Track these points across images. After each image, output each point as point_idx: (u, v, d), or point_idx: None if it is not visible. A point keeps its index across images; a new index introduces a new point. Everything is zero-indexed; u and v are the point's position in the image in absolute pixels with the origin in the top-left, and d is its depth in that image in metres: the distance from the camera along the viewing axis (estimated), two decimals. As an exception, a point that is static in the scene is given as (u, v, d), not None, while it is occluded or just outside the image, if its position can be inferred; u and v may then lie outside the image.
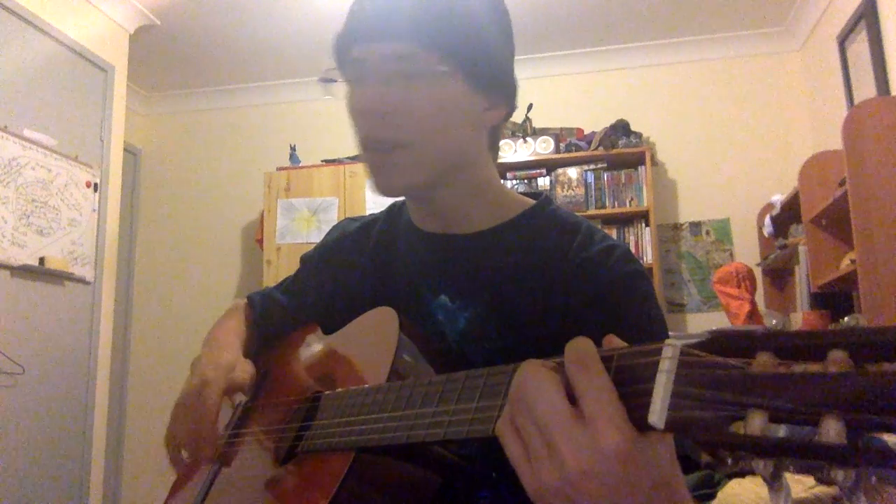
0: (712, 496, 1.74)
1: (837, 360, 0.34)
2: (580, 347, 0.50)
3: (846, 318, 0.35)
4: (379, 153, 0.88)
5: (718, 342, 0.41)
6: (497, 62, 0.94)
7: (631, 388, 0.46)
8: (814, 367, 0.35)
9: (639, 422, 0.45)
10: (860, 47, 3.41)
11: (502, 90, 0.95)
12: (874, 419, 0.32)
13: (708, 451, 0.39)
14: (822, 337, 0.36)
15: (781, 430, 0.35)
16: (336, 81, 0.93)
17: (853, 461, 0.33)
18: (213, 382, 0.96)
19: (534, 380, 0.50)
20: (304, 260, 1.16)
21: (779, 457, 0.35)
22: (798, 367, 0.36)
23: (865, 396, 0.33)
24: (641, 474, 0.46)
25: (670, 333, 0.47)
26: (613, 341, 0.53)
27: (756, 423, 0.36)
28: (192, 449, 0.96)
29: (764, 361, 0.37)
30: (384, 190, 0.91)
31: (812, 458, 0.34)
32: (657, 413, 0.43)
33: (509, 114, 0.98)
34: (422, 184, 0.90)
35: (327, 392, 0.88)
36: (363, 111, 0.87)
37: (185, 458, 1.00)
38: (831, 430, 0.33)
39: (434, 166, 0.89)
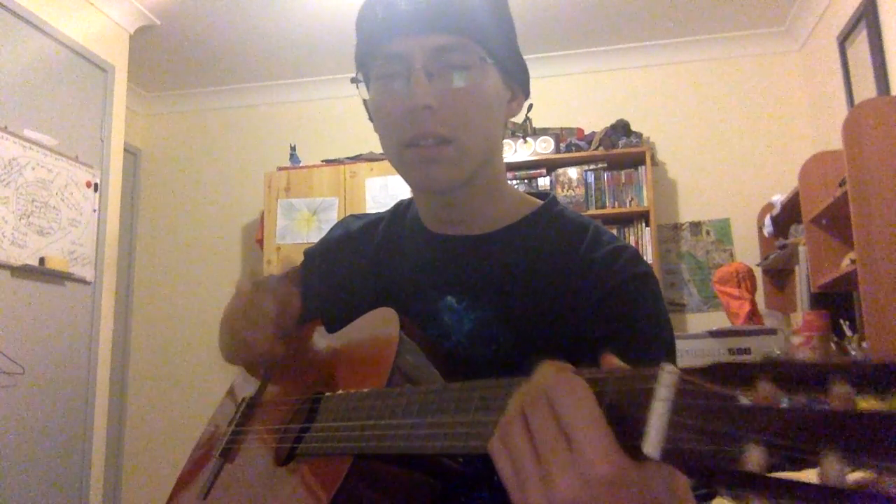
0: (712, 496, 1.74)
1: (841, 394, 0.33)
2: (560, 369, 0.49)
3: (852, 344, 0.35)
4: (424, 149, 0.86)
5: (718, 370, 0.41)
6: (517, 51, 0.94)
7: (626, 414, 0.46)
8: (816, 401, 0.34)
9: (633, 451, 0.45)
10: (860, 47, 3.41)
11: (521, 80, 0.95)
12: (879, 462, 0.31)
13: (704, 484, 0.38)
14: (824, 367, 0.35)
15: (780, 465, 0.35)
16: (363, 81, 0.92)
17: None
18: (266, 285, 0.97)
19: (531, 403, 0.49)
20: (307, 255, 1.16)
21: (777, 497, 0.34)
22: (799, 400, 0.35)
23: (869, 435, 0.32)
24: (631, 500, 0.46)
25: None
26: (612, 361, 0.52)
27: (754, 459, 0.35)
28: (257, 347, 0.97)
29: (764, 391, 0.37)
30: (428, 186, 0.90)
31: (812, 500, 0.33)
32: (653, 443, 0.42)
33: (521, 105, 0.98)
34: (463, 179, 0.89)
35: (327, 394, 0.88)
36: (412, 107, 0.84)
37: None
38: (833, 471, 0.32)
39: (474, 161, 0.89)
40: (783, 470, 0.35)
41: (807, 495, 0.33)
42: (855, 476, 0.31)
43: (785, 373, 0.37)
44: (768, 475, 0.35)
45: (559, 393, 0.48)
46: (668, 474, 0.47)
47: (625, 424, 0.46)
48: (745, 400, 0.37)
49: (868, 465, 0.32)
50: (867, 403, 0.33)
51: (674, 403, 0.42)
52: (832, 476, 0.32)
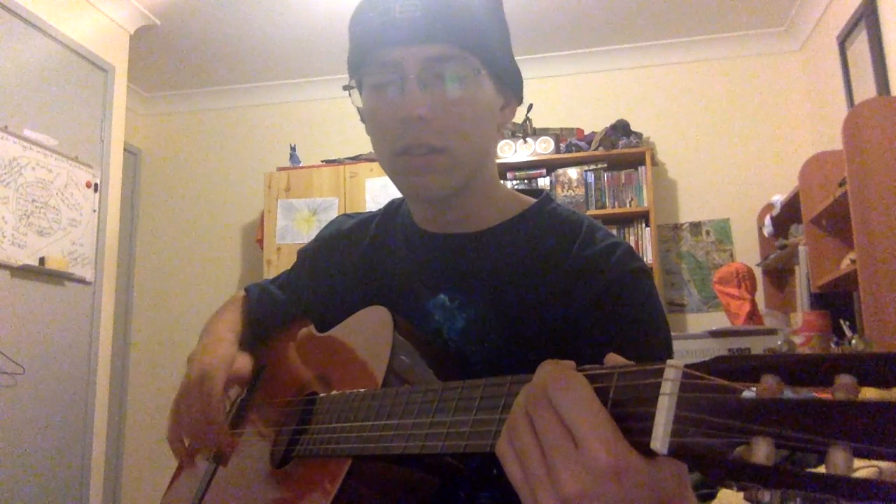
0: (713, 496, 1.73)
1: (845, 386, 0.33)
2: (560, 366, 0.49)
3: (853, 341, 0.35)
4: (415, 158, 0.86)
5: (722, 364, 0.40)
6: (512, 58, 0.94)
7: (632, 410, 0.46)
8: (821, 393, 0.34)
9: (641, 447, 0.44)
10: (860, 47, 3.41)
11: (514, 87, 0.95)
12: (885, 450, 0.31)
13: (712, 478, 0.38)
14: (828, 361, 0.35)
15: (788, 457, 0.34)
16: (356, 87, 0.91)
17: (863, 496, 0.32)
18: (216, 373, 0.96)
19: (533, 403, 0.49)
20: (301, 255, 1.16)
21: (785, 488, 0.34)
22: (804, 392, 0.35)
23: (874, 425, 0.32)
24: (640, 494, 0.45)
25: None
26: (616, 360, 0.52)
27: (761, 451, 0.35)
28: (200, 439, 0.96)
29: (769, 385, 0.36)
30: (419, 195, 0.90)
31: (820, 491, 0.33)
32: (660, 438, 0.42)
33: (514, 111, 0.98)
34: (454, 188, 0.89)
35: (322, 394, 0.87)
36: (405, 117, 0.84)
37: (190, 451, 0.99)
38: (839, 461, 0.32)
39: (466, 170, 0.89)
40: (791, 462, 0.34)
41: (815, 485, 0.32)
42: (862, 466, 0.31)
43: (788, 366, 0.37)
44: (776, 467, 0.34)
45: (556, 389, 0.48)
46: (677, 468, 0.47)
47: (631, 421, 0.45)
48: (749, 393, 0.37)
49: (874, 455, 0.31)
50: (870, 394, 0.32)
51: (679, 399, 0.41)
52: (839, 466, 0.32)
